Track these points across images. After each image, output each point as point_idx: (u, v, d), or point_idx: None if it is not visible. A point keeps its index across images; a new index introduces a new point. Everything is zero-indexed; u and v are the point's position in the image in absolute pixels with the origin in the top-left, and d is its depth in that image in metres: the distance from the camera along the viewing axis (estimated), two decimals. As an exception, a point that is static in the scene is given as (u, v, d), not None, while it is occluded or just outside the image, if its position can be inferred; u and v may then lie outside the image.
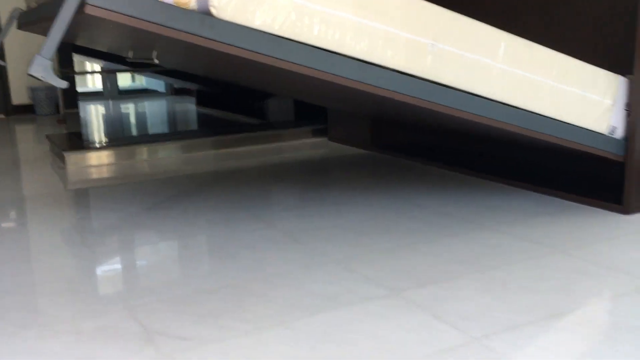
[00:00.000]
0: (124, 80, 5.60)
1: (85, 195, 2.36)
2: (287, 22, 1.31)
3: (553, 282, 1.38)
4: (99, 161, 3.01)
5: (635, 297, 1.29)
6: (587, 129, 1.80)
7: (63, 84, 1.12)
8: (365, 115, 2.91)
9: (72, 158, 2.94)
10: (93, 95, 5.04)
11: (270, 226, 1.87)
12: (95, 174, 2.78)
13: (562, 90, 1.72)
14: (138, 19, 1.14)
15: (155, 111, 4.91)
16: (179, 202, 2.21)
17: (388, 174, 2.57)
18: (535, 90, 1.67)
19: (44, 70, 1.08)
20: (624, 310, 1.22)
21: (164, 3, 1.18)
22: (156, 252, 1.66)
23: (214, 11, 1.24)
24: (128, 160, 3.08)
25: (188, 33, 1.19)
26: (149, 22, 1.16)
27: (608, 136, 1.84)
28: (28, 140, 3.95)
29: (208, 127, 3.71)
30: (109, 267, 1.55)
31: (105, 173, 2.80)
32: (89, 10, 1.10)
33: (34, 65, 1.08)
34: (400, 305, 1.27)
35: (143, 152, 3.13)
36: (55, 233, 1.85)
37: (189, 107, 5.20)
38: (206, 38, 1.22)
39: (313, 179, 2.51)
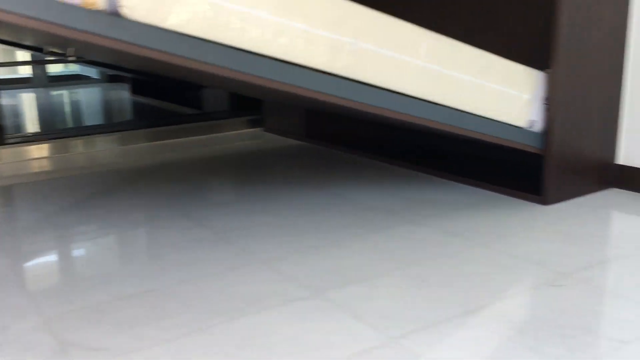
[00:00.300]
0: (56, 66, 5.36)
1: (1, 194, 2.27)
2: (204, 22, 1.29)
3: (471, 276, 1.42)
4: (20, 156, 2.89)
5: (547, 290, 1.34)
6: (508, 124, 1.85)
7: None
8: (298, 106, 2.91)
9: (-6, 154, 2.81)
10: (19, 83, 4.82)
11: (200, 225, 1.85)
12: (17, 170, 2.67)
13: (483, 86, 1.76)
14: (38, 20, 1.10)
15: (88, 100, 4.75)
16: (105, 199, 2.15)
17: (321, 166, 2.58)
18: (456, 86, 1.70)
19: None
20: (537, 303, 1.27)
21: (66, 4, 1.14)
22: (75, 256, 1.61)
23: (125, 11, 1.20)
24: (56, 154, 2.98)
25: (96, 35, 1.15)
26: (50, 23, 1.11)
27: (527, 130, 1.90)
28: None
29: (143, 118, 3.63)
30: (22, 273, 1.49)
31: (28, 168, 2.69)
32: (-14, 12, 1.05)
33: None
34: (322, 306, 1.29)
35: (73, 145, 3.03)
36: (-30, 238, 1.78)
37: (124, 95, 5.05)
38: (117, 40, 1.18)
39: (246, 173, 2.49)
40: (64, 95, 4.87)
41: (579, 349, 1.09)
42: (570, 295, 1.31)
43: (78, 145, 3.04)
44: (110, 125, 3.32)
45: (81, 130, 3.16)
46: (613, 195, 2.05)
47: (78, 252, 1.64)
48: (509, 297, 1.31)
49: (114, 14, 1.20)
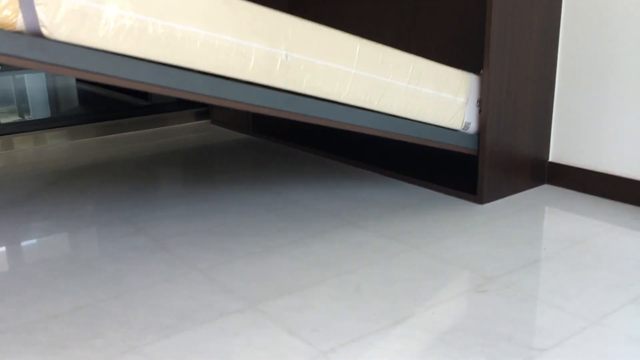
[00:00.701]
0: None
1: (-61, 200, 2.21)
2: (130, 39, 1.27)
3: (402, 283, 1.46)
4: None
5: (472, 296, 1.40)
6: (443, 127, 1.90)
7: None
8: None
9: None
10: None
11: (139, 231, 1.84)
12: (-46, 171, 2.60)
13: (417, 91, 1.79)
14: (-44, 45, 1.07)
15: (32, 87, 4.63)
16: (38, 203, 2.11)
17: (265, 162, 2.58)
18: (390, 93, 1.73)
19: None
20: (462, 311, 1.33)
21: (-15, 27, 1.11)
22: (3, 269, 1.59)
23: (45, 32, 1.18)
24: (-7, 152, 2.90)
25: (15, 57, 1.13)
26: (-31, 48, 1.08)
27: (462, 132, 1.95)
28: None
29: (89, 109, 3.55)
30: (-44, 292, 1.47)
31: (-35, 170, 2.62)
32: None
33: None
34: (255, 319, 1.31)
35: (14, 141, 2.95)
36: None
37: (70, 83, 4.93)
38: (37, 61, 1.16)
39: (190, 170, 2.48)
40: (6, 81, 4.72)
41: (498, 357, 1.15)
42: (493, 302, 1.37)
43: (21, 141, 2.97)
44: (56, 119, 3.24)
45: (25, 127, 3.08)
46: (546, 192, 2.13)
47: (2, 265, 1.62)
48: (436, 304, 1.36)
49: (34, 34, 1.17)
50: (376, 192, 2.17)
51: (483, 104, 1.93)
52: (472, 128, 1.97)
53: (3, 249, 1.73)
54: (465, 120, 1.93)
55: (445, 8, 2.26)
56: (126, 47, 1.28)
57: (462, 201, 2.05)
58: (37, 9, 1.15)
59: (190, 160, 2.67)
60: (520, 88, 1.98)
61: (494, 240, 1.72)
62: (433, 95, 1.83)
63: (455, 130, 1.93)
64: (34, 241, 1.78)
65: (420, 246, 1.69)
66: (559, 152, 2.15)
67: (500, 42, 1.87)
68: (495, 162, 1.99)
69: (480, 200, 2.00)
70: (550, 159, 2.18)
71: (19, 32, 1.16)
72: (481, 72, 1.93)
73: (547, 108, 2.11)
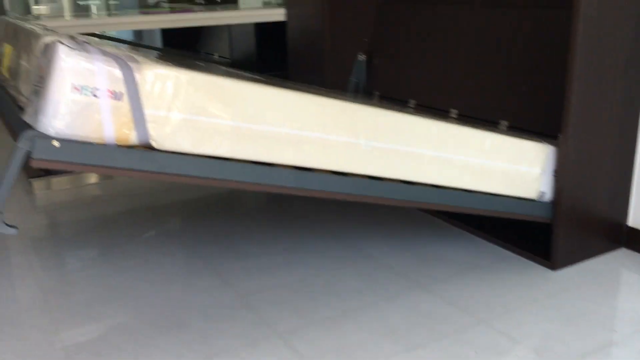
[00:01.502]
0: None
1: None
2: (226, 144, 1.41)
3: (469, 367, 1.54)
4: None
5: (538, 388, 1.46)
6: (517, 197, 1.94)
7: (13, 232, 1.22)
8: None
9: None
10: None
11: (225, 284, 2.00)
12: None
13: (491, 166, 1.84)
14: (81, 164, 1.24)
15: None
16: (134, 244, 2.32)
17: (341, 206, 2.69)
18: (464, 169, 1.79)
19: (-5, 222, 1.18)
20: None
21: (106, 146, 1.27)
22: (91, 322, 1.78)
23: (154, 144, 1.33)
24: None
25: (129, 169, 1.29)
26: (92, 166, 1.25)
27: (537, 201, 1.98)
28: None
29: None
30: None
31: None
32: (35, 163, 1.19)
33: (-15, 218, 1.17)
34: (330, 399, 1.43)
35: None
36: None
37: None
38: (147, 171, 1.31)
39: (272, 215, 2.62)
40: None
41: None
42: (558, 396, 1.43)
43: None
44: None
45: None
46: (622, 257, 2.13)
47: (93, 318, 1.81)
48: (501, 395, 1.43)
49: (146, 145, 1.33)
50: (449, 248, 2.23)
51: (559, 174, 1.95)
52: (547, 197, 1.99)
53: (87, 298, 1.93)
54: (540, 189, 1.97)
55: (524, 65, 2.28)
56: (222, 151, 1.41)
57: (535, 265, 2.09)
58: (149, 126, 1.31)
59: (273, 203, 2.82)
60: (600, 152, 1.99)
61: (565, 317, 1.75)
62: (507, 168, 1.88)
63: (529, 200, 1.96)
64: (134, 290, 1.97)
65: (489, 320, 1.75)
66: (639, 216, 2.14)
67: (580, 108, 1.88)
68: (571, 228, 2.01)
69: (553, 267, 2.03)
70: (629, 223, 2.17)
71: (132, 146, 1.32)
72: (558, 138, 1.95)
73: (628, 170, 2.10)
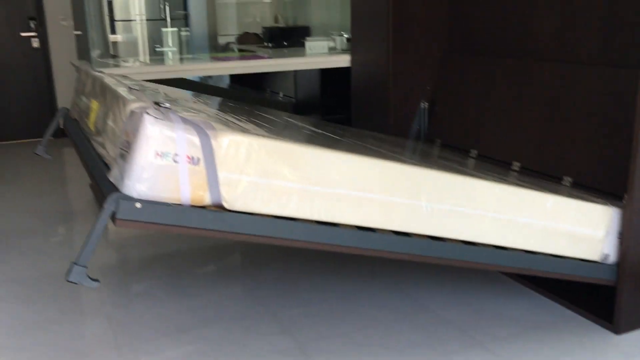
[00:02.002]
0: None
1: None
2: (292, 205, 1.48)
3: None
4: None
5: None
6: (580, 259, 1.92)
7: (94, 285, 1.32)
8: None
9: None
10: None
11: (284, 331, 2.06)
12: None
13: (553, 228, 1.84)
14: (160, 224, 1.33)
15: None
16: (201, 286, 2.41)
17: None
18: (526, 230, 1.80)
19: (80, 277, 1.28)
20: None
21: (182, 207, 1.36)
22: (179, 367, 1.86)
23: (225, 205, 1.41)
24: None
25: (201, 229, 1.38)
26: (169, 225, 1.34)
27: (600, 263, 1.95)
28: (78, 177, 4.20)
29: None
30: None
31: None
32: (119, 224, 1.29)
33: (72, 273, 1.28)
34: None
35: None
36: (92, 331, 2.08)
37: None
38: (218, 230, 1.40)
39: (331, 260, 2.67)
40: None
41: None
42: None
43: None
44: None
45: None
46: (690, 323, 2.06)
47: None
48: None
49: (218, 205, 1.41)
50: (510, 304, 2.21)
51: (624, 236, 1.93)
52: (611, 259, 1.97)
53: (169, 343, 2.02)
54: (603, 251, 1.94)
55: (590, 122, 2.26)
56: (289, 211, 1.48)
57: (597, 327, 2.05)
58: (222, 188, 1.39)
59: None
60: (666, 221, 1.95)
61: (627, 388, 1.72)
62: (570, 230, 1.87)
63: (593, 262, 1.94)
64: (196, 330, 2.06)
65: (548, 386, 1.73)
66: None
67: (645, 179, 1.86)
68: (635, 291, 1.97)
69: (617, 330, 1.99)
70: (698, 287, 2.10)
71: (205, 207, 1.40)
72: (624, 199, 1.93)
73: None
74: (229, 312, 2.20)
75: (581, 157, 2.27)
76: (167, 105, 1.45)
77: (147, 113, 1.32)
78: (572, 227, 1.87)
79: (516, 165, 2.51)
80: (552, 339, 1.98)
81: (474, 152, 2.74)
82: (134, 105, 1.42)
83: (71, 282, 1.28)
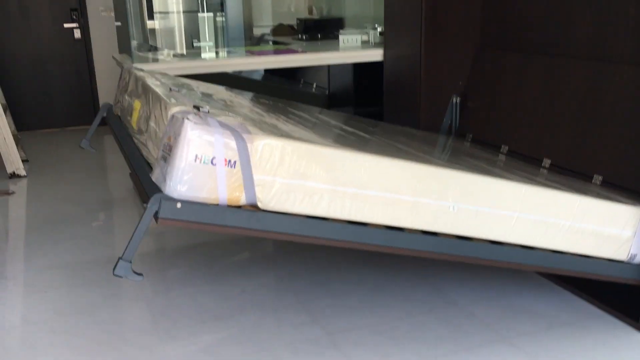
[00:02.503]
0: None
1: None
2: (322, 204, 1.55)
3: None
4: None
5: None
6: (607, 259, 1.95)
7: (139, 279, 1.41)
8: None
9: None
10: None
11: (314, 322, 2.14)
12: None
13: (581, 228, 1.87)
14: (199, 223, 1.42)
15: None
16: (241, 274, 2.50)
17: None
18: (552, 231, 1.83)
19: (125, 271, 1.38)
20: None
21: (219, 206, 1.44)
22: None
23: (260, 205, 1.49)
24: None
25: (238, 227, 1.46)
26: (208, 224, 1.43)
27: (627, 262, 1.98)
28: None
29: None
30: None
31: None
32: (161, 222, 1.38)
33: (118, 268, 1.38)
34: None
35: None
36: (133, 317, 2.19)
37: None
38: (254, 229, 1.48)
39: (363, 254, 2.74)
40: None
41: None
42: None
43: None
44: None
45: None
46: None
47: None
48: None
49: (252, 205, 1.49)
50: (536, 300, 2.25)
51: (652, 236, 1.94)
52: (639, 259, 1.98)
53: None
54: (631, 252, 1.96)
55: (623, 121, 2.26)
56: (320, 211, 1.55)
57: (623, 325, 2.07)
58: (257, 189, 1.47)
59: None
60: (696, 223, 1.95)
61: (650, 387, 1.75)
62: (598, 230, 1.89)
63: (619, 262, 1.96)
64: (231, 319, 2.15)
65: (571, 382, 1.77)
66: None
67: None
68: (662, 294, 1.99)
69: (642, 329, 2.02)
70: None
71: (240, 207, 1.48)
72: (654, 200, 1.94)
73: None
74: (261, 300, 2.29)
75: (612, 156, 2.27)
76: (206, 109, 1.52)
77: (188, 118, 1.40)
78: (600, 227, 1.89)
79: (547, 162, 2.53)
80: (577, 335, 2.02)
81: (504, 148, 2.76)
82: (175, 110, 1.51)
83: (117, 275, 1.38)
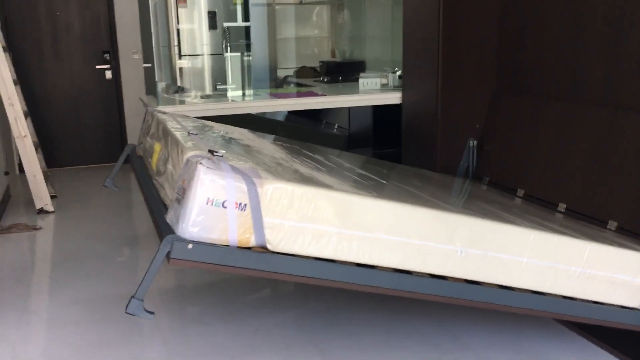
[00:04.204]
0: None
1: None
2: (330, 247, 1.59)
3: None
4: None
5: None
6: (618, 306, 1.93)
7: (150, 317, 1.46)
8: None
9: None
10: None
11: (326, 362, 2.15)
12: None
13: (591, 275, 1.87)
14: (209, 264, 1.47)
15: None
16: (251, 312, 2.53)
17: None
18: (562, 277, 1.84)
19: (137, 309, 1.43)
20: None
21: (229, 248, 1.49)
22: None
23: (269, 246, 1.54)
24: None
25: (249, 269, 1.50)
26: (219, 265, 1.48)
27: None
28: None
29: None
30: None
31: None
32: (172, 262, 1.44)
33: (130, 306, 1.43)
34: None
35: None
36: (149, 354, 2.23)
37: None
38: (262, 270, 1.52)
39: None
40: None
41: None
42: None
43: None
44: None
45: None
46: None
47: (227, 387, 2.01)
48: None
49: (261, 246, 1.54)
50: (549, 346, 2.22)
51: (666, 284, 1.92)
52: (653, 307, 1.96)
53: (221, 366, 2.14)
54: (644, 299, 1.95)
55: (638, 168, 2.27)
56: (327, 253, 1.59)
57: (639, 374, 2.04)
58: (266, 231, 1.52)
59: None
60: None
61: None
62: (609, 277, 1.89)
63: (632, 309, 1.95)
64: (245, 358, 2.18)
65: None
66: None
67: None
68: (678, 343, 1.96)
69: (659, 379, 1.98)
70: None
71: (250, 248, 1.53)
72: (667, 248, 1.93)
73: None
74: (275, 340, 2.31)
75: (627, 202, 2.27)
76: (221, 154, 1.59)
77: (201, 163, 1.46)
78: (611, 274, 1.89)
79: (562, 206, 2.53)
80: (591, 384, 1.99)
81: (520, 192, 2.77)
82: (190, 154, 1.58)
83: (129, 313, 1.43)
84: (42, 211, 3.96)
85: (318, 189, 1.57)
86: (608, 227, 2.28)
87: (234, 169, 1.52)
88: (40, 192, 3.93)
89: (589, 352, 2.19)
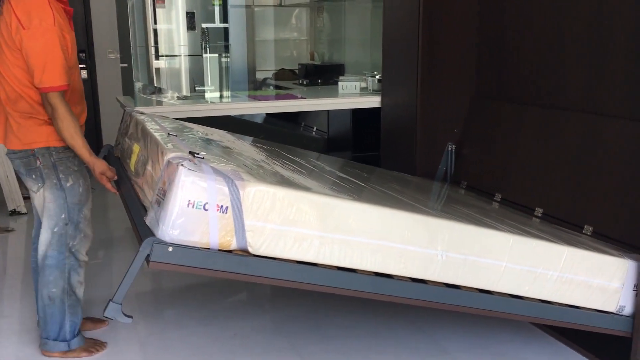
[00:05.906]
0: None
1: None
2: (312, 250, 1.58)
3: None
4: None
5: None
6: (595, 310, 1.96)
7: (128, 320, 1.44)
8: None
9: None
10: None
11: (305, 366, 2.14)
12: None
13: (568, 279, 1.89)
14: (189, 267, 1.45)
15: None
16: (233, 316, 2.51)
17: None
18: (540, 281, 1.86)
19: (115, 313, 1.41)
20: None
21: (210, 251, 1.48)
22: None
23: (250, 249, 1.52)
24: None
25: (227, 272, 1.49)
26: (199, 268, 1.46)
27: (616, 314, 1.99)
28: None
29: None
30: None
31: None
32: (152, 265, 1.41)
33: (108, 309, 1.40)
34: None
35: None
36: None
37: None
38: (242, 274, 1.51)
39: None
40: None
41: None
42: None
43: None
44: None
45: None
46: None
47: (205, 391, 1.99)
48: None
49: (243, 250, 1.53)
50: (526, 349, 2.25)
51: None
52: (628, 310, 2.00)
53: (199, 370, 2.12)
54: (619, 303, 1.98)
55: (615, 174, 2.30)
56: (309, 257, 1.58)
57: (614, 377, 2.07)
58: (247, 234, 1.51)
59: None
60: (684, 275, 1.97)
61: None
62: (586, 281, 1.91)
63: (608, 313, 1.97)
64: (222, 365, 2.16)
65: None
66: None
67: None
68: (652, 345, 1.99)
69: (633, 382, 2.01)
70: None
71: (231, 251, 1.52)
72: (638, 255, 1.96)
73: None
74: (254, 344, 2.30)
75: (603, 207, 2.31)
76: (202, 155, 1.57)
77: (182, 165, 1.45)
78: (588, 279, 1.91)
79: (539, 211, 2.56)
80: (567, 387, 2.01)
81: (498, 196, 2.79)
82: (170, 155, 1.55)
83: (107, 317, 1.41)
84: (14, 213, 3.88)
85: (300, 192, 1.57)
86: (584, 231, 2.31)
87: (216, 171, 1.50)
88: (13, 193, 3.85)
89: (565, 354, 2.22)
